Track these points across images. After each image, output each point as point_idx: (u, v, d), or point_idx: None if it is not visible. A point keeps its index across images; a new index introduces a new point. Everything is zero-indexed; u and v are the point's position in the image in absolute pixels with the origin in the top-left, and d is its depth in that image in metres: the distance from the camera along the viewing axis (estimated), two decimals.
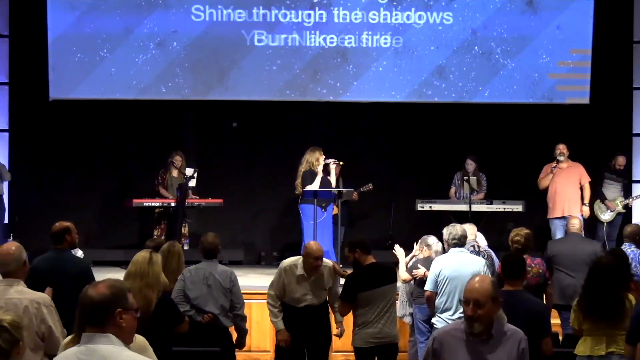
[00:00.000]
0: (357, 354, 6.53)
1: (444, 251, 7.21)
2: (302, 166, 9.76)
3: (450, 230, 6.89)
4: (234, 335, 6.62)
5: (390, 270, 6.61)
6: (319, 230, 9.34)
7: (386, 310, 6.44)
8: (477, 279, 3.93)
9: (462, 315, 6.20)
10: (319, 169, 9.67)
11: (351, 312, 6.54)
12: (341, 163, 9.87)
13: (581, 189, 10.12)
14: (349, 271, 6.74)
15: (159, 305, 5.12)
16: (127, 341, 3.06)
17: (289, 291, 6.55)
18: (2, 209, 10.48)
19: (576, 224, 7.92)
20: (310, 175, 9.68)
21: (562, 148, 10.06)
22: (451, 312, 6.56)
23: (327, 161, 9.73)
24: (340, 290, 6.71)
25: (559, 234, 9.97)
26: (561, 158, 10.00)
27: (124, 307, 3.05)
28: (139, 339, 3.93)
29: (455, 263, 6.69)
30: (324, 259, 6.66)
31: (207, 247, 6.55)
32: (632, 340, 4.95)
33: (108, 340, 2.99)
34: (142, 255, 5.37)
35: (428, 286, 6.75)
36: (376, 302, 6.38)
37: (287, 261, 6.67)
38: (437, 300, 6.66)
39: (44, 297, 4.73)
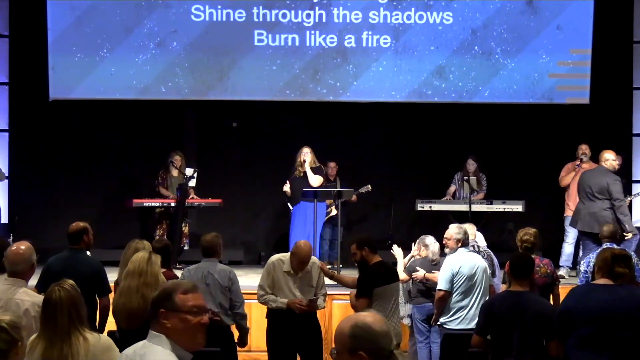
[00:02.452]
0: None
1: (442, 251, 7.21)
2: None
3: (465, 230, 6.89)
4: (235, 335, 6.62)
5: (394, 270, 6.65)
6: (297, 229, 9.41)
7: (395, 308, 6.43)
8: (354, 315, 2.77)
9: (477, 313, 6.21)
10: (302, 168, 9.73)
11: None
12: (304, 160, 9.76)
13: None
14: (344, 272, 6.73)
15: None
16: (184, 344, 3.06)
17: (278, 287, 6.52)
18: None
19: (610, 157, 8.77)
20: (290, 174, 9.87)
21: (584, 148, 10.03)
22: (466, 310, 6.55)
23: (303, 160, 9.80)
24: (323, 282, 6.69)
25: (573, 232, 9.95)
26: (584, 158, 9.97)
27: (167, 308, 3.05)
28: (104, 338, 3.97)
29: (469, 261, 6.70)
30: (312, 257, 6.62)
31: (205, 245, 6.57)
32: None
33: (158, 341, 3.02)
34: (140, 255, 5.38)
35: (443, 285, 6.69)
36: (388, 300, 6.34)
37: (275, 257, 6.68)
38: (452, 299, 6.64)
39: None
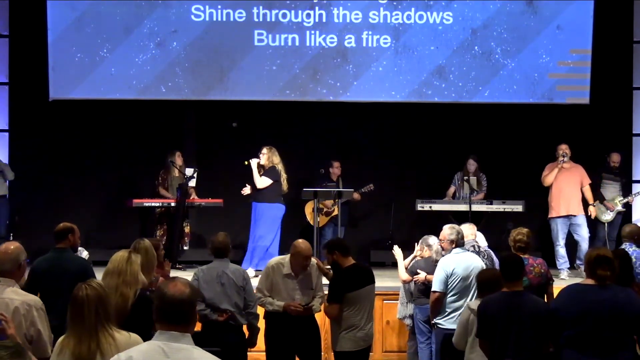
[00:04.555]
0: (342, 359, 6.44)
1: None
2: None
3: (458, 231, 6.90)
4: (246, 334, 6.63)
5: (369, 272, 6.60)
6: (258, 229, 9.38)
7: (369, 311, 6.46)
8: None
9: None
10: (252, 166, 9.63)
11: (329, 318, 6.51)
12: (246, 163, 9.68)
13: (582, 191, 10.13)
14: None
15: (137, 303, 5.11)
16: None
17: (276, 291, 6.52)
18: (6, 210, 10.46)
19: None
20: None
21: (564, 148, 10.05)
22: (460, 310, 6.57)
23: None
24: (321, 284, 6.68)
25: (561, 233, 9.98)
26: (565, 159, 9.99)
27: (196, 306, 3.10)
28: (134, 337, 3.96)
29: (464, 262, 6.71)
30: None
31: (217, 246, 6.57)
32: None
33: (189, 341, 2.98)
34: (120, 254, 5.39)
35: (437, 287, 6.71)
36: (362, 304, 6.36)
37: (274, 260, 6.69)
38: (447, 299, 6.67)
39: (36, 299, 4.71)
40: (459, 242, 6.86)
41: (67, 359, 3.86)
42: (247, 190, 9.77)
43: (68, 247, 6.31)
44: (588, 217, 10.23)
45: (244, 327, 6.57)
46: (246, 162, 9.65)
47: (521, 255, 6.36)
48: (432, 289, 6.78)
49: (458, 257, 6.76)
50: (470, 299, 6.59)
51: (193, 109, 11.46)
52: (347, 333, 6.33)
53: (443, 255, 7.01)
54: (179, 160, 10.44)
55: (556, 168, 10.04)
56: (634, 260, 6.75)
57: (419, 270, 7.33)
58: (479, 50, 11.00)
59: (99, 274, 6.52)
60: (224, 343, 6.03)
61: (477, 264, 6.73)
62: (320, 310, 6.76)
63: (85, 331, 3.89)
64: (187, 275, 7.09)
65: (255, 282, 6.87)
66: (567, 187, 10.00)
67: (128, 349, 3.72)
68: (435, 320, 6.76)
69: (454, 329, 6.47)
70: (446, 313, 6.69)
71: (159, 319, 3.03)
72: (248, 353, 7.05)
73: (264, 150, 9.70)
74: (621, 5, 11.42)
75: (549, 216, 10.13)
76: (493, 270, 6.04)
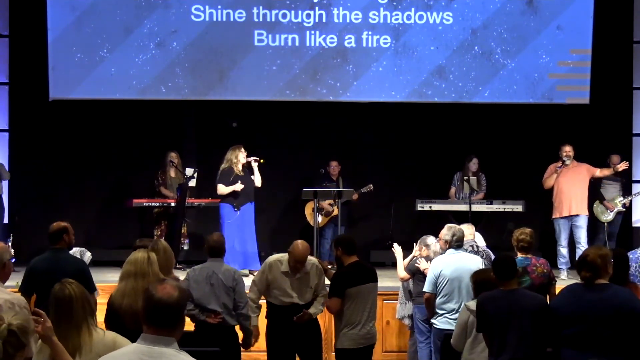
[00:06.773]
0: (342, 356, 6.47)
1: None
2: (222, 164, 9.66)
3: (454, 232, 6.90)
4: (240, 336, 6.62)
5: (371, 270, 6.63)
6: (235, 230, 9.23)
7: (371, 309, 6.48)
8: None
9: None
10: (239, 167, 9.52)
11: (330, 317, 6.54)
12: (262, 161, 9.63)
13: (596, 180, 10.21)
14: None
15: None
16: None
17: (273, 288, 6.55)
18: (1, 209, 10.47)
19: None
20: (226, 174, 9.56)
21: (568, 151, 10.00)
22: (453, 312, 6.59)
23: (249, 159, 9.59)
24: (324, 283, 6.70)
25: (564, 233, 9.97)
26: (567, 161, 9.97)
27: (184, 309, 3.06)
28: (109, 334, 3.95)
29: (454, 263, 6.72)
30: (309, 257, 6.63)
31: (212, 245, 6.57)
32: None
33: (172, 345, 2.94)
34: (140, 255, 5.36)
35: (427, 287, 6.80)
36: (362, 300, 6.40)
37: (273, 257, 6.70)
38: (437, 301, 6.72)
39: (19, 298, 4.72)
40: (452, 244, 6.86)
41: (46, 358, 3.85)
42: (239, 186, 9.53)
43: (64, 247, 6.33)
44: (589, 218, 10.21)
45: (237, 328, 6.57)
46: (261, 160, 9.60)
47: (524, 255, 6.40)
48: (423, 289, 6.87)
49: (449, 259, 6.78)
50: (462, 301, 6.58)
51: (193, 109, 11.46)
52: (349, 330, 6.38)
53: (441, 255, 7.03)
54: (175, 158, 10.43)
55: (555, 173, 10.01)
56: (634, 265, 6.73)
57: (420, 260, 7.33)
58: (479, 50, 11.00)
59: (98, 274, 6.54)
60: (216, 344, 6.03)
61: (470, 265, 6.66)
62: (322, 311, 6.77)
63: (73, 328, 3.89)
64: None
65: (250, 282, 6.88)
66: (569, 186, 9.99)
67: (100, 347, 3.72)
68: (431, 320, 6.83)
69: (447, 329, 6.49)
70: (438, 314, 6.77)
71: (145, 321, 3.00)
72: (248, 353, 7.06)
73: (243, 149, 9.62)
74: (621, 5, 11.41)
75: (552, 216, 10.12)
76: (488, 271, 6.02)
